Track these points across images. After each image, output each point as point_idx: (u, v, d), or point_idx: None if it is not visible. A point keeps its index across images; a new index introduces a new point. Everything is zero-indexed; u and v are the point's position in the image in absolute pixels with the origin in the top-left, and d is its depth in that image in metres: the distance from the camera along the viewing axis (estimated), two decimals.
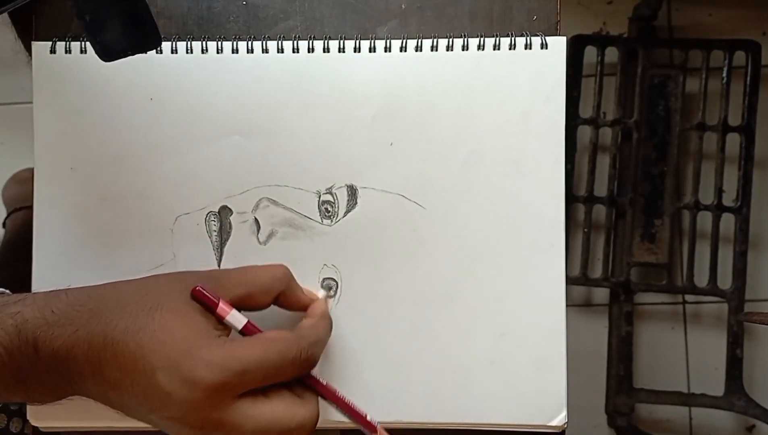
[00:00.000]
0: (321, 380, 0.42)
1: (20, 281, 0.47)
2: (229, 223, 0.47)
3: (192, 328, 0.37)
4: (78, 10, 0.31)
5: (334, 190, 0.47)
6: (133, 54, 0.35)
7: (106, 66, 0.47)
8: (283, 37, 0.47)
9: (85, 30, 0.32)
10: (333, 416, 0.46)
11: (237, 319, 0.40)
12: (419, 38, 0.47)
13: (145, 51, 0.35)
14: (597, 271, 1.17)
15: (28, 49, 0.48)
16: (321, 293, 0.46)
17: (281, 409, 0.38)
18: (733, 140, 1.15)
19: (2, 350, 0.36)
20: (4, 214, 1.10)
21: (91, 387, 0.38)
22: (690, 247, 1.15)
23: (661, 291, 1.19)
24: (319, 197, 0.47)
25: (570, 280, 1.15)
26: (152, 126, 0.47)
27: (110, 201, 0.47)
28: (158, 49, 0.35)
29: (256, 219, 0.47)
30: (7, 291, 0.41)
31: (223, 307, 0.39)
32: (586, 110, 1.16)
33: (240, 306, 0.41)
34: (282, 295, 0.42)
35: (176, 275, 0.41)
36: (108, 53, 0.34)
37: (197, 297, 0.38)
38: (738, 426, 1.23)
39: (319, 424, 0.46)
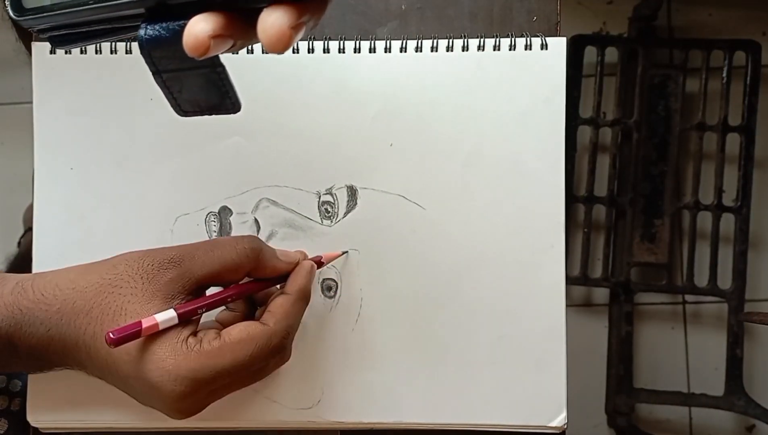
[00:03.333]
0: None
1: None
2: (229, 223, 0.47)
3: (157, 336, 0.37)
4: (154, 69, 0.30)
5: (334, 191, 0.47)
6: (209, 114, 0.34)
7: (106, 66, 0.47)
8: None
9: (160, 86, 0.31)
10: (333, 416, 0.46)
11: (169, 319, 0.37)
12: (419, 39, 0.47)
13: (222, 114, 0.34)
14: (597, 271, 1.17)
15: (29, 50, 0.48)
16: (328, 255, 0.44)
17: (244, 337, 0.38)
18: (733, 140, 1.15)
19: None
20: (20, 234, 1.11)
21: (76, 369, 0.40)
22: (690, 247, 1.15)
23: (661, 291, 1.19)
24: (319, 198, 0.47)
25: (570, 280, 1.15)
26: (152, 126, 0.47)
27: (110, 201, 0.47)
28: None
29: (256, 219, 0.47)
30: None
31: (148, 326, 0.36)
32: (586, 110, 1.16)
33: (209, 285, 0.40)
34: (254, 270, 0.41)
35: (136, 261, 0.39)
36: (183, 109, 0.33)
37: (117, 342, 0.35)
38: (738, 426, 1.23)
39: (320, 425, 0.46)
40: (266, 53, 0.47)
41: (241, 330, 0.38)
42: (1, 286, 0.39)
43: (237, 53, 0.47)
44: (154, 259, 0.38)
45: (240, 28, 0.26)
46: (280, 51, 0.24)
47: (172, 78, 0.30)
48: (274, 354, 0.39)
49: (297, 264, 0.42)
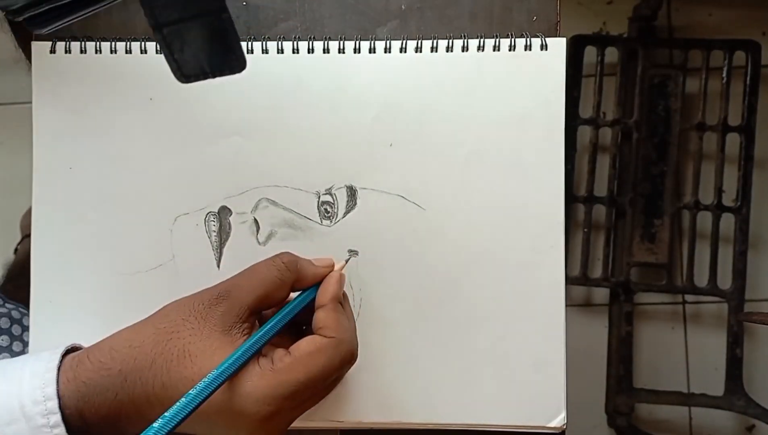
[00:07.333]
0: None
1: (27, 291, 0.47)
2: (229, 223, 0.47)
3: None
4: (154, 21, 0.27)
5: (333, 191, 0.47)
6: (213, 77, 0.31)
7: (106, 66, 0.47)
8: (283, 37, 0.47)
9: (160, 44, 0.28)
10: (332, 416, 0.46)
11: None
12: (419, 39, 0.47)
13: (227, 74, 0.31)
14: (597, 271, 1.17)
15: (28, 58, 0.48)
16: (338, 264, 0.44)
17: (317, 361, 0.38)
18: (733, 140, 1.15)
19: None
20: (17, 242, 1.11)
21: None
22: (690, 247, 1.15)
23: (661, 291, 1.19)
24: (319, 198, 0.47)
25: (570, 280, 1.15)
26: (152, 126, 0.47)
27: (109, 201, 0.47)
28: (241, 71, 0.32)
29: (255, 219, 0.47)
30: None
31: None
32: (586, 110, 1.16)
33: (259, 308, 0.40)
34: (297, 281, 0.41)
35: (185, 305, 0.39)
36: (185, 73, 0.30)
37: None
38: (738, 426, 1.23)
39: (319, 425, 0.46)
40: (266, 53, 0.47)
41: (308, 343, 0.38)
42: (61, 370, 0.38)
43: None
44: (202, 299, 0.39)
45: None
46: None
47: (173, 32, 0.28)
48: (346, 362, 0.40)
49: (332, 266, 0.43)
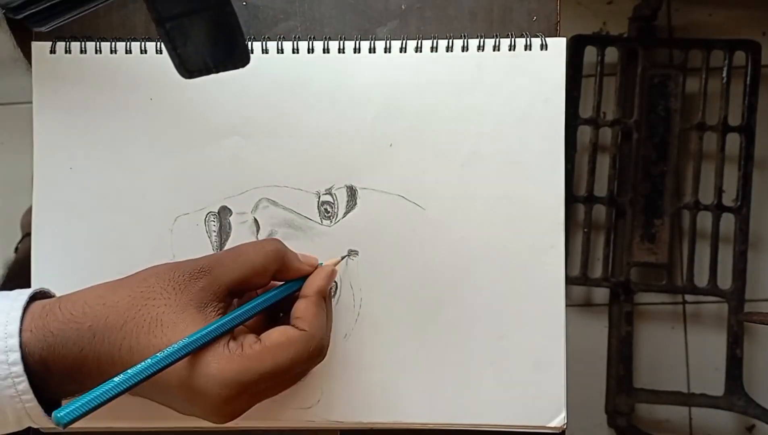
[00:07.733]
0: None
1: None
2: (229, 223, 0.47)
3: None
4: (157, 16, 0.27)
5: (333, 191, 0.47)
6: (216, 71, 0.31)
7: (106, 66, 0.47)
8: (283, 37, 0.47)
9: (163, 40, 0.28)
10: (332, 416, 0.46)
11: None
12: (419, 39, 0.47)
13: (230, 68, 0.31)
14: (597, 271, 1.17)
15: (27, 57, 0.48)
16: (333, 259, 0.44)
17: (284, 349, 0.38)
18: (733, 140, 1.15)
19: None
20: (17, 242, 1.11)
21: None
22: (690, 247, 1.15)
23: (661, 291, 1.19)
24: (319, 198, 0.47)
25: (570, 280, 1.15)
26: (152, 126, 0.47)
27: (109, 201, 0.47)
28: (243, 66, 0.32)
29: (255, 219, 0.47)
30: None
31: None
32: (586, 110, 1.16)
33: (238, 290, 0.40)
34: (279, 272, 0.41)
35: (166, 273, 0.39)
36: (188, 68, 0.30)
37: None
38: (738, 426, 1.23)
39: (320, 425, 0.46)
40: (266, 53, 0.47)
41: (280, 334, 0.38)
42: (28, 316, 0.38)
43: None
44: (184, 270, 0.39)
45: None
46: None
47: (176, 27, 0.28)
48: (314, 357, 0.40)
49: (315, 266, 0.43)
